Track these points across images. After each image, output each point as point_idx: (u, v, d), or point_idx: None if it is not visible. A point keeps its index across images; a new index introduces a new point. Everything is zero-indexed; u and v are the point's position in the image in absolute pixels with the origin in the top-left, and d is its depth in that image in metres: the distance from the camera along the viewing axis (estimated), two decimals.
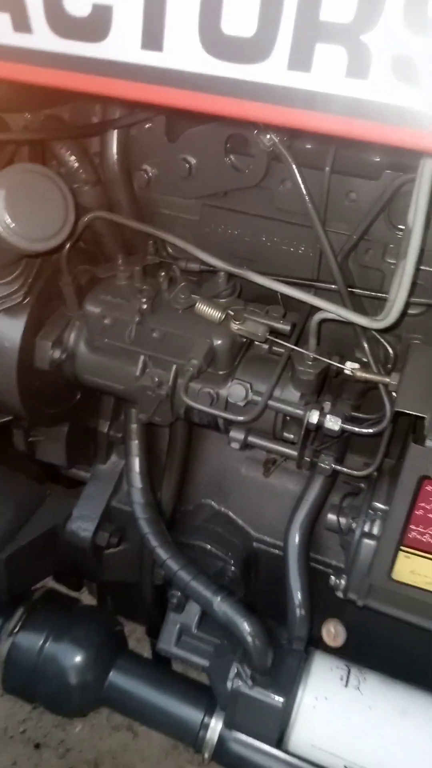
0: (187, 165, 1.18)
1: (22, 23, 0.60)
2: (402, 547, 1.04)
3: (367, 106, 0.53)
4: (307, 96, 0.54)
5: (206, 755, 1.43)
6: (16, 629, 1.50)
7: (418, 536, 1.01)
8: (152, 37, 0.57)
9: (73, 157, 1.19)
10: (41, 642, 1.48)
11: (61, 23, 0.60)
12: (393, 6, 0.51)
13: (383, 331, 1.13)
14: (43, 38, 0.61)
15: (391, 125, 0.53)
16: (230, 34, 0.55)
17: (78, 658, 1.48)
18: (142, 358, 1.17)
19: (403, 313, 0.94)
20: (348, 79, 0.53)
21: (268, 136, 1.05)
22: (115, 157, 1.20)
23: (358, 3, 0.51)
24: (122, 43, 0.58)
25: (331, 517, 1.29)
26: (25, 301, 1.17)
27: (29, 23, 0.61)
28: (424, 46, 0.51)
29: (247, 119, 0.55)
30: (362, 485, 1.36)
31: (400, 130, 0.53)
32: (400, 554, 1.05)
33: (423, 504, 0.97)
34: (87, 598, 1.91)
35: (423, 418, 0.94)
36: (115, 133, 1.18)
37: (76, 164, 1.19)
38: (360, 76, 0.53)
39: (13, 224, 0.91)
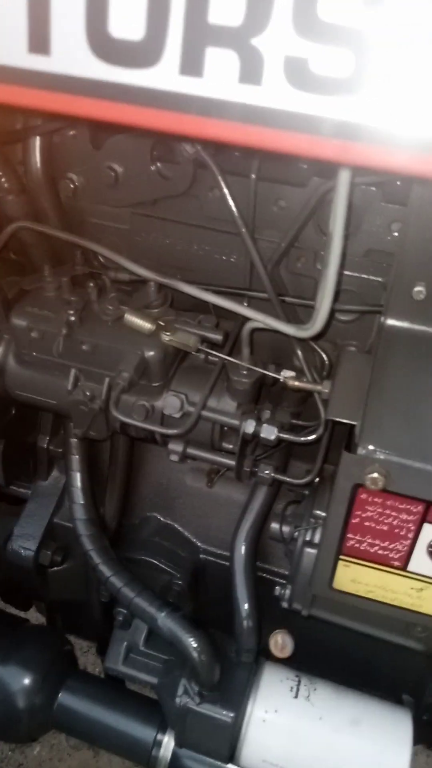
0: (113, 173, 1.16)
1: None
2: (341, 557, 1.02)
3: (261, 112, 0.52)
4: (200, 102, 0.52)
5: None
6: None
7: (356, 545, 1.00)
8: (38, 40, 0.54)
9: None
10: None
11: None
12: (282, 9, 0.49)
13: (317, 338, 1.12)
14: None
15: (287, 132, 0.52)
16: (119, 37, 0.53)
17: (25, 681, 1.43)
18: (72, 371, 1.14)
19: (331, 320, 0.93)
20: (241, 85, 0.51)
21: (191, 144, 1.03)
22: (39, 165, 1.16)
23: (247, 5, 0.49)
24: (8, 47, 0.55)
25: (275, 526, 1.28)
26: None
27: None
28: (316, 50, 0.50)
29: (139, 126, 0.53)
30: (306, 492, 1.35)
31: (296, 136, 0.51)
32: (340, 563, 1.03)
33: (359, 512, 0.96)
34: (36, 616, 1.86)
35: (354, 425, 0.93)
36: (37, 141, 1.15)
37: None
38: (253, 81, 0.51)
39: None
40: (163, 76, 0.52)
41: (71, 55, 0.54)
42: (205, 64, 0.52)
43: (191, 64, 0.52)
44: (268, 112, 0.52)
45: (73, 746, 2.27)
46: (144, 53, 0.53)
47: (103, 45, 0.53)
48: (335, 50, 0.50)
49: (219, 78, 0.52)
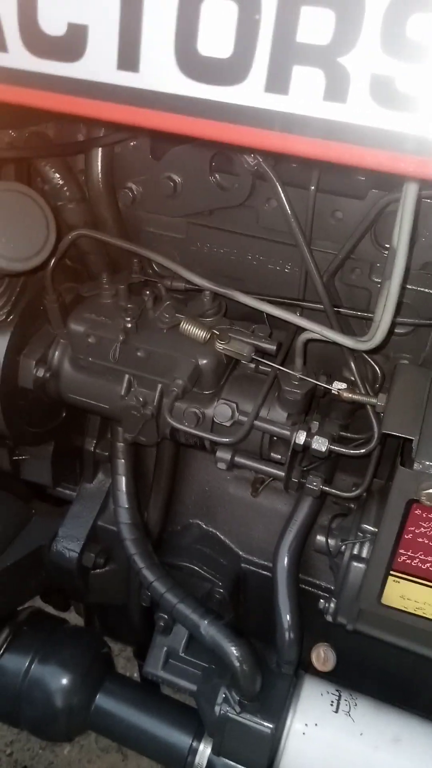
0: (172, 183, 1.17)
1: None
2: (391, 572, 1.02)
3: (345, 128, 0.52)
4: (284, 118, 0.53)
5: None
6: (1, 651, 1.47)
7: (408, 561, 0.99)
8: (128, 58, 0.56)
9: (57, 175, 1.18)
10: (27, 664, 1.45)
11: (37, 42, 0.59)
12: (370, 28, 0.50)
13: (371, 352, 1.12)
14: (18, 57, 0.60)
15: (369, 148, 0.52)
16: (207, 55, 0.54)
17: (64, 681, 1.45)
18: (126, 377, 1.16)
19: (390, 333, 0.93)
20: (326, 102, 0.52)
21: (252, 156, 1.04)
22: (100, 175, 1.19)
23: (335, 25, 0.50)
24: (98, 63, 0.57)
25: (320, 538, 1.27)
26: (9, 319, 1.15)
27: (4, 42, 0.60)
28: (402, 68, 0.50)
29: (224, 142, 0.54)
30: (352, 506, 1.34)
31: (379, 153, 0.52)
32: (390, 579, 1.03)
33: (412, 528, 0.96)
34: (74, 618, 1.88)
35: (410, 440, 0.93)
36: (99, 151, 1.17)
37: (61, 182, 1.18)
38: (338, 99, 0.52)
39: None
40: (249, 93, 0.53)
41: (159, 72, 0.55)
42: (291, 82, 0.52)
43: (277, 82, 0.53)
44: (351, 128, 0.52)
45: (103, 749, 2.28)
46: (231, 71, 0.54)
47: (190, 62, 0.55)
48: (421, 68, 0.50)
49: (304, 95, 0.53)
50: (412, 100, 0.51)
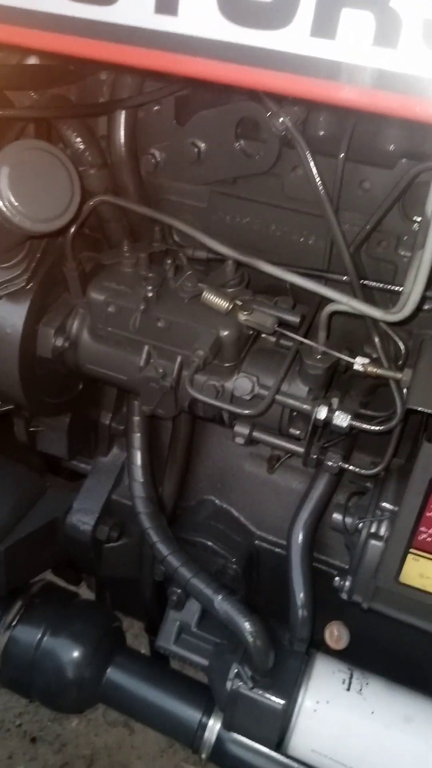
0: (196, 149, 1.15)
1: None
2: (411, 550, 1.00)
3: (395, 77, 0.50)
4: (330, 66, 0.50)
5: (204, 756, 1.41)
6: (14, 622, 1.47)
7: (429, 538, 0.98)
8: (166, 0, 0.53)
9: (79, 139, 1.15)
10: (39, 636, 1.46)
11: None
12: None
13: (395, 326, 1.10)
14: (51, 1, 0.57)
15: (420, 97, 0.49)
16: None
17: (76, 654, 1.46)
18: (146, 348, 1.14)
19: (418, 307, 0.91)
20: (375, 48, 0.49)
21: (281, 120, 1.02)
22: (123, 139, 1.16)
23: None
24: (134, 7, 0.54)
25: (337, 516, 1.26)
26: (28, 286, 1.13)
27: None
28: None
29: (267, 90, 0.52)
30: (368, 485, 1.33)
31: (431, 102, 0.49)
32: (409, 556, 1.01)
33: None
34: (85, 592, 1.88)
35: None
36: (122, 116, 1.14)
37: (82, 146, 1.15)
38: (389, 44, 0.49)
39: (17, 203, 0.87)
40: (294, 38, 0.51)
41: (199, 16, 0.53)
42: (339, 27, 0.50)
43: (324, 26, 0.50)
44: (402, 77, 0.50)
45: (110, 722, 2.30)
46: (275, 14, 0.51)
47: (232, 6, 0.52)
48: None
49: (352, 41, 0.50)
50: None
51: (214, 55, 0.53)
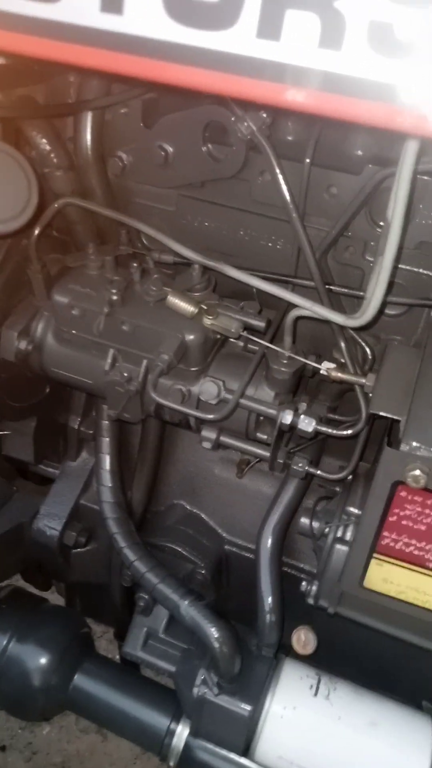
0: (164, 153, 1.14)
1: None
2: (375, 554, 1.00)
3: (340, 79, 0.49)
4: (276, 67, 0.50)
5: (171, 763, 1.39)
6: None
7: (391, 543, 0.98)
8: None
9: (44, 141, 1.14)
10: (4, 642, 1.43)
11: None
12: None
13: (361, 330, 1.10)
14: None
15: (365, 100, 0.49)
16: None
17: (42, 660, 1.43)
18: (111, 351, 1.13)
19: (381, 312, 0.91)
20: (321, 50, 0.49)
21: (246, 124, 1.01)
22: (89, 142, 1.15)
23: None
24: (80, 5, 0.54)
25: (304, 521, 1.26)
26: None
27: None
28: (404, 15, 0.48)
29: (212, 91, 0.51)
30: (337, 489, 1.33)
31: (375, 106, 0.49)
32: (373, 561, 1.01)
33: (397, 510, 0.94)
34: (55, 598, 1.86)
35: (398, 421, 0.91)
36: (89, 117, 1.13)
37: (48, 148, 1.14)
38: (334, 46, 0.49)
39: None
40: (240, 39, 0.50)
41: (144, 16, 0.52)
42: (283, 28, 0.50)
43: (269, 27, 0.50)
44: (346, 79, 0.49)
45: (83, 729, 2.28)
46: (221, 15, 0.51)
47: (178, 6, 0.51)
48: (422, 14, 0.48)
49: (298, 42, 0.50)
50: (411, 49, 0.48)
51: (160, 56, 0.52)
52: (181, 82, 0.52)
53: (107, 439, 1.39)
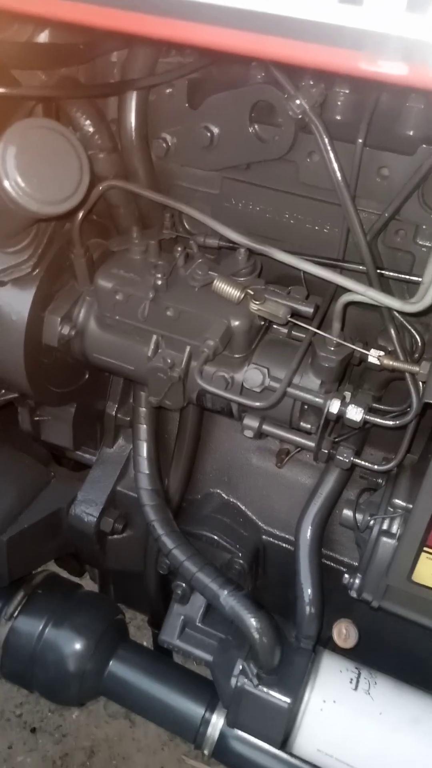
0: (209, 134, 1.11)
1: None
2: (425, 548, 0.97)
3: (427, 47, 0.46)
4: (358, 35, 0.47)
5: (206, 752, 1.39)
6: (16, 613, 1.46)
7: None
8: None
9: (88, 122, 1.12)
10: (41, 627, 1.44)
11: None
12: None
13: (411, 318, 1.07)
14: None
15: None
16: None
17: (78, 646, 1.44)
18: (154, 337, 1.11)
19: None
20: (407, 15, 0.46)
21: (298, 102, 0.98)
22: (133, 123, 1.13)
23: None
24: None
25: (347, 512, 1.23)
26: (35, 272, 1.11)
27: None
28: None
29: (287, 61, 0.48)
30: (380, 481, 1.30)
31: None
32: (423, 555, 0.99)
33: None
34: (89, 583, 1.86)
35: None
36: (134, 98, 1.11)
37: (92, 129, 1.12)
38: (421, 11, 0.46)
39: (24, 184, 0.84)
40: (320, 3, 0.48)
41: None
42: None
43: None
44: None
45: (111, 714, 2.29)
46: None
47: None
48: None
49: (381, 7, 0.47)
50: None
51: (232, 24, 0.49)
52: (255, 53, 0.49)
53: (145, 426, 1.37)
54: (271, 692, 1.23)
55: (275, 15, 0.48)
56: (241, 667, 1.24)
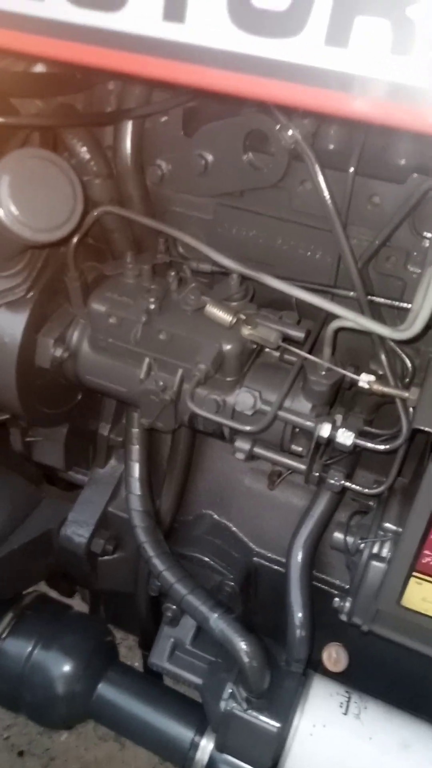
0: (203, 161, 1.13)
1: None
2: (414, 573, 0.98)
3: (411, 89, 0.48)
4: (344, 77, 0.49)
5: None
6: (4, 635, 1.44)
7: None
8: (175, 8, 0.52)
9: (84, 149, 1.14)
10: (29, 649, 1.43)
11: None
12: None
13: (401, 343, 1.08)
14: (55, 6, 0.56)
15: None
16: (261, 6, 0.50)
17: (66, 668, 1.43)
18: (147, 360, 1.12)
19: (428, 325, 0.89)
20: (392, 57, 0.48)
21: (290, 133, 1.00)
22: (129, 150, 1.15)
23: None
24: (141, 14, 0.53)
25: (338, 535, 1.24)
26: (28, 295, 1.12)
27: None
28: None
29: (277, 101, 0.50)
30: (371, 504, 1.30)
31: None
32: (412, 580, 0.99)
33: None
34: (79, 604, 1.85)
35: None
36: (129, 126, 1.13)
37: (88, 156, 1.14)
38: (404, 53, 0.47)
39: (18, 212, 0.85)
40: (307, 47, 0.49)
41: (209, 24, 0.51)
42: (351, 35, 0.48)
43: (338, 35, 0.48)
44: (418, 89, 0.48)
45: (101, 737, 2.26)
46: (287, 22, 0.49)
47: (243, 13, 0.50)
48: None
49: (367, 50, 0.48)
50: None
51: (224, 65, 0.51)
52: (247, 93, 0.51)
53: (137, 446, 1.38)
54: (261, 716, 1.22)
55: (265, 58, 0.50)
56: (230, 690, 1.24)
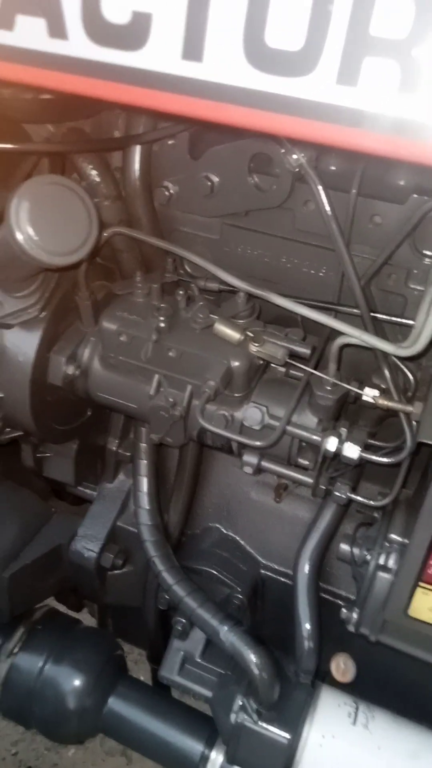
0: (210, 183, 1.17)
1: (57, 29, 0.58)
2: (420, 583, 1.00)
3: (419, 126, 0.51)
4: (354, 114, 0.52)
5: None
6: (16, 649, 1.45)
7: None
8: (193, 47, 0.55)
9: (94, 172, 1.17)
10: (40, 664, 1.44)
11: (99, 30, 0.58)
12: None
13: (408, 359, 1.11)
14: (79, 45, 0.59)
15: None
16: (275, 47, 0.53)
17: (77, 682, 1.43)
18: (156, 377, 1.15)
19: (430, 342, 0.92)
20: (399, 95, 0.51)
21: (295, 157, 1.04)
22: (137, 172, 1.18)
23: (414, 15, 0.49)
24: (161, 53, 0.56)
25: (344, 547, 1.25)
26: (42, 315, 1.15)
27: (65, 29, 0.59)
28: None
29: (290, 136, 0.53)
30: (376, 515, 1.32)
31: None
32: (418, 590, 1.01)
33: None
34: (87, 618, 1.86)
35: None
36: (137, 149, 1.17)
37: (98, 179, 1.18)
38: (411, 91, 0.51)
39: (36, 237, 0.88)
40: (319, 85, 0.52)
41: (224, 63, 0.55)
42: (361, 74, 0.51)
43: (348, 74, 0.52)
44: (425, 126, 0.51)
45: (108, 751, 2.26)
46: (300, 62, 0.53)
47: (258, 53, 0.54)
48: None
49: (376, 88, 0.51)
50: None
51: (240, 102, 0.54)
52: (261, 128, 0.54)
53: (145, 461, 1.40)
54: (271, 728, 1.23)
55: (279, 95, 0.53)
56: (240, 702, 1.25)
